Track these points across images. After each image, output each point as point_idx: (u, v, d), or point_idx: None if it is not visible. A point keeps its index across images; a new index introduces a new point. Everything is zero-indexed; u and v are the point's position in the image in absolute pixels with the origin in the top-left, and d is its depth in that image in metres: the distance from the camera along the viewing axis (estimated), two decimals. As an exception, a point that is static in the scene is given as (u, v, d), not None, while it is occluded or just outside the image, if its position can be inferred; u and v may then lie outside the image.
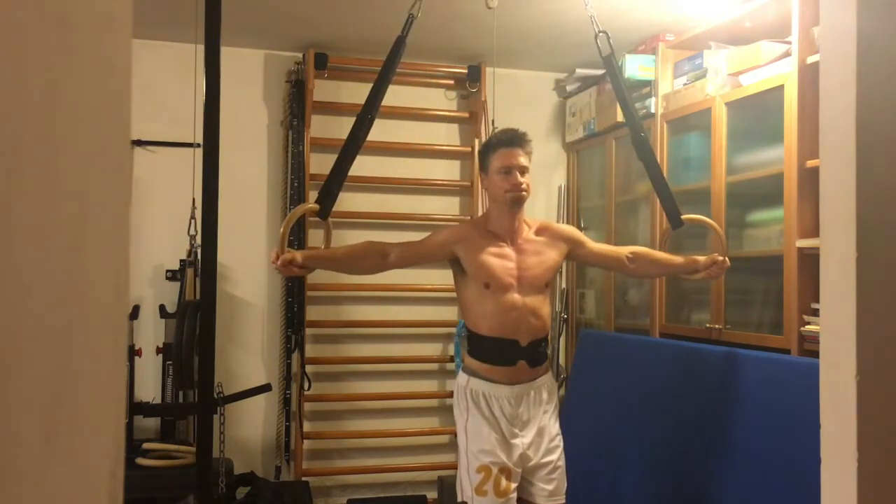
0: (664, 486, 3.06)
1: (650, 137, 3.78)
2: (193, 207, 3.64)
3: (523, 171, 2.56)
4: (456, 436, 2.70)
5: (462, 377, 2.65)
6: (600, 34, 2.78)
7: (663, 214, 3.70)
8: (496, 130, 2.76)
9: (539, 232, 2.68)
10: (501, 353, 2.56)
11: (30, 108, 0.52)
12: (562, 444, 2.68)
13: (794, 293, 2.88)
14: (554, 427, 2.66)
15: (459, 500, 2.64)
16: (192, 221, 3.67)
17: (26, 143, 0.52)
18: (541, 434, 2.61)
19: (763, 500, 2.58)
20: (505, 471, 2.53)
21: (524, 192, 2.57)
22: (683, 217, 2.79)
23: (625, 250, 2.80)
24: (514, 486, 2.55)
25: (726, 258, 2.72)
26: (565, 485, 2.66)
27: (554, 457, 2.63)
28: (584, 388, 3.76)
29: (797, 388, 2.54)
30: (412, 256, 2.68)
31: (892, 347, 1.25)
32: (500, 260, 2.58)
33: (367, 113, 2.65)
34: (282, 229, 2.56)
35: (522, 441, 2.57)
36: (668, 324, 3.71)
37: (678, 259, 2.81)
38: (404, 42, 2.70)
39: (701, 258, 2.74)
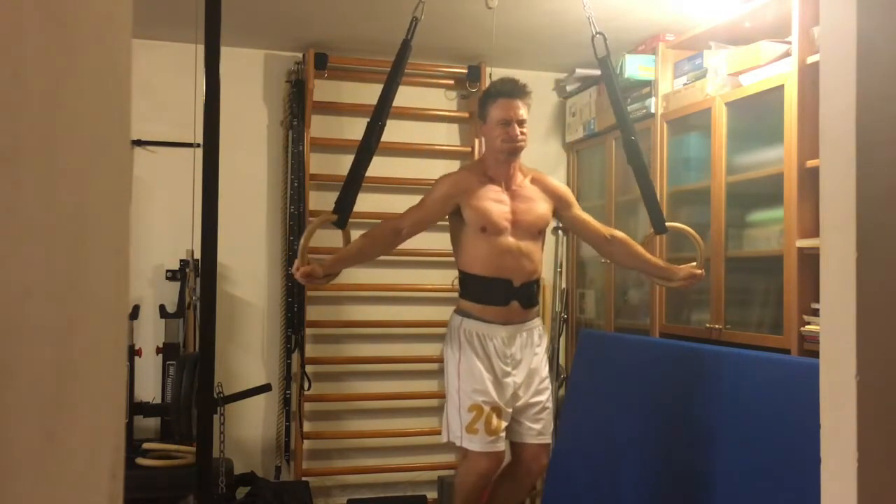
0: (664, 485, 3.06)
1: (649, 137, 3.79)
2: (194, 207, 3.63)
3: (521, 122, 2.63)
4: (444, 375, 2.75)
5: (455, 318, 2.70)
6: (597, 35, 2.80)
7: (664, 215, 3.71)
8: (496, 79, 2.80)
9: (533, 181, 2.76)
10: (495, 292, 2.63)
11: (30, 108, 0.52)
12: (550, 387, 2.78)
13: (794, 293, 2.88)
14: (544, 370, 2.75)
15: (444, 440, 2.70)
16: (193, 221, 3.67)
17: (26, 143, 0.52)
18: (531, 375, 2.69)
19: (763, 499, 2.58)
20: (496, 409, 2.60)
21: (521, 144, 2.63)
22: (668, 224, 2.87)
23: (607, 230, 2.86)
24: (504, 424, 2.62)
25: (702, 271, 2.79)
26: (552, 427, 2.77)
27: (542, 398, 2.72)
28: (584, 388, 3.76)
29: (797, 388, 2.54)
30: (422, 223, 2.73)
31: (892, 347, 1.25)
32: (496, 204, 2.66)
33: (378, 119, 2.69)
34: (302, 241, 2.60)
35: (514, 380, 2.64)
36: (668, 324, 3.71)
37: (656, 260, 2.86)
38: (410, 45, 2.73)
39: (680, 268, 2.79)
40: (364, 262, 2.93)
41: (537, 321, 2.75)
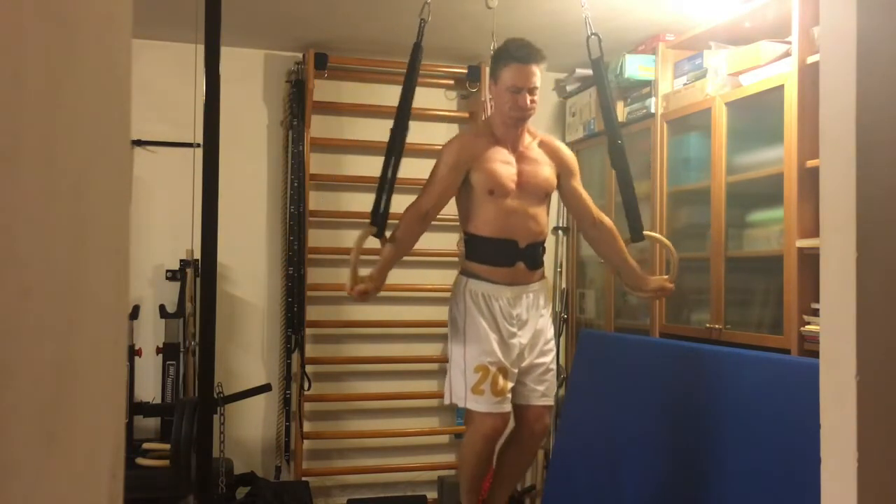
0: (664, 485, 3.06)
1: (649, 137, 3.79)
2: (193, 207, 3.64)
3: (532, 90, 2.60)
4: (448, 338, 2.74)
5: (461, 279, 2.70)
6: (592, 36, 2.80)
7: (664, 215, 3.71)
8: (511, 38, 2.71)
9: (542, 145, 2.75)
10: (501, 253, 2.63)
11: (30, 108, 0.52)
12: (555, 349, 2.79)
13: (794, 293, 2.88)
14: (549, 331, 2.75)
15: (447, 402, 2.69)
16: (192, 221, 3.67)
17: (26, 143, 0.52)
18: (537, 336, 2.69)
19: (763, 499, 2.58)
20: (502, 370, 2.60)
21: (529, 113, 2.62)
22: (645, 233, 2.85)
23: (598, 213, 2.84)
24: (510, 385, 2.61)
25: (673, 285, 2.79)
26: (555, 389, 2.78)
27: (547, 359, 2.72)
28: (584, 388, 3.76)
29: (797, 388, 2.54)
30: (443, 196, 2.70)
31: (892, 347, 1.25)
32: (504, 166, 2.65)
33: (401, 127, 2.71)
34: (352, 261, 2.57)
35: (520, 341, 2.64)
36: (668, 324, 3.71)
37: (633, 263, 2.84)
38: (421, 48, 2.74)
39: (652, 279, 2.79)
40: (403, 256, 2.89)
41: (543, 283, 2.74)
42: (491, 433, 2.61)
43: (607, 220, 2.85)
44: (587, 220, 2.82)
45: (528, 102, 2.58)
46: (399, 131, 2.69)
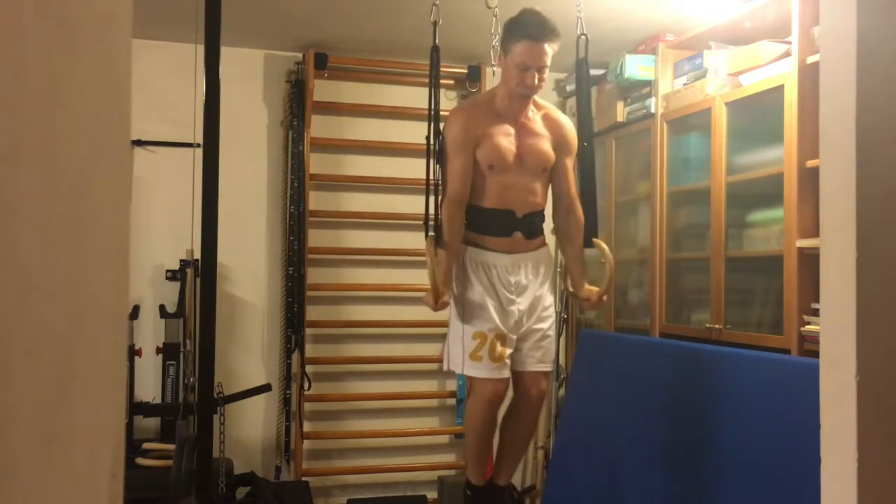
0: (664, 485, 3.06)
1: (649, 137, 3.79)
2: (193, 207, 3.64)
3: (542, 69, 2.58)
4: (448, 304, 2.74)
5: (461, 248, 2.71)
6: (581, 37, 2.82)
7: (664, 215, 3.71)
8: (526, 9, 2.70)
9: (544, 119, 2.74)
10: (499, 223, 2.66)
11: (30, 108, 0.52)
12: (554, 315, 2.79)
13: (794, 293, 2.88)
14: (548, 298, 2.76)
15: (445, 368, 2.70)
16: (192, 221, 3.67)
17: (26, 143, 0.52)
18: (535, 302, 2.70)
19: (763, 499, 2.58)
20: (500, 336, 2.62)
21: (535, 91, 2.62)
22: (594, 241, 2.85)
23: (572, 203, 2.81)
24: (508, 351, 2.62)
25: (605, 296, 2.82)
26: (552, 355, 2.79)
27: (545, 325, 2.73)
28: (584, 388, 3.76)
29: (797, 388, 2.54)
30: (467, 180, 2.67)
31: (892, 347, 1.25)
32: (505, 139, 2.66)
33: (437, 131, 2.75)
34: (435, 277, 2.56)
35: (518, 308, 2.66)
36: (668, 324, 3.71)
37: (577, 265, 2.86)
38: (438, 50, 2.80)
39: (588, 288, 2.80)
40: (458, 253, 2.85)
41: (542, 251, 2.75)
42: (491, 398, 2.63)
43: (579, 212, 2.82)
44: (563, 203, 2.80)
45: (536, 81, 2.57)
46: (436, 136, 2.72)
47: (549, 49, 2.57)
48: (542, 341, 2.72)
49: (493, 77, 4.23)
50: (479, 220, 2.68)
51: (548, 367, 2.77)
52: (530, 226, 2.69)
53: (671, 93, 3.74)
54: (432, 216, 2.68)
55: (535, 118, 2.70)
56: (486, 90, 3.18)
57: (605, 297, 2.84)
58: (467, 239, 2.70)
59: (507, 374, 2.66)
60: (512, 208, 2.65)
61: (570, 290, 2.91)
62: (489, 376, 2.61)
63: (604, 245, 2.87)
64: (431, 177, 2.70)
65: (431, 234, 2.65)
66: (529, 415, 2.81)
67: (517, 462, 2.97)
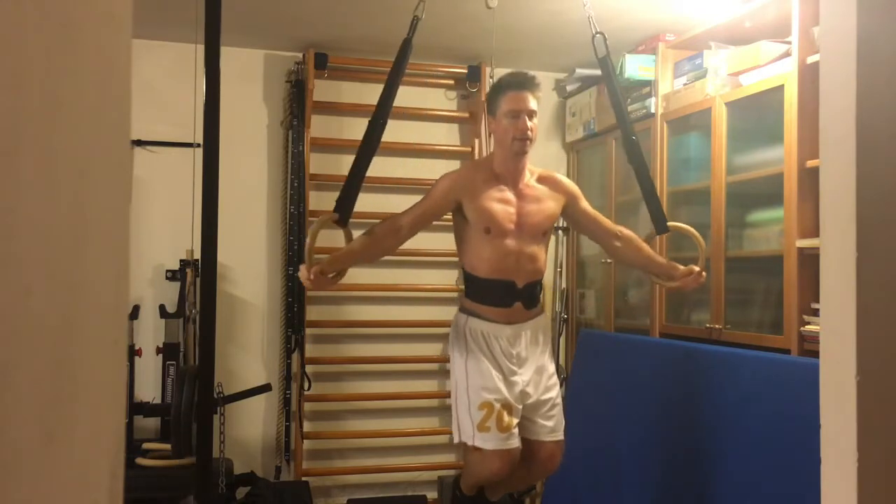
0: (664, 485, 3.06)
1: (649, 137, 3.79)
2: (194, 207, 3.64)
3: (531, 115, 2.59)
4: (450, 376, 2.74)
5: (461, 317, 2.70)
6: (597, 35, 2.79)
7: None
8: (505, 73, 2.74)
9: (541, 180, 2.71)
10: (498, 294, 2.62)
11: (30, 107, 0.52)
12: (558, 382, 2.76)
13: (794, 293, 2.88)
14: (550, 366, 2.74)
15: (457, 440, 2.67)
16: (192, 221, 3.67)
17: (26, 143, 0.52)
18: (539, 372, 2.68)
19: (763, 499, 2.58)
20: (507, 406, 2.58)
21: (530, 138, 2.60)
22: (669, 224, 2.83)
23: (615, 227, 2.83)
24: (516, 421, 2.60)
25: (703, 271, 2.75)
26: (563, 423, 2.74)
27: (552, 394, 2.71)
28: (584, 388, 3.76)
29: (797, 388, 2.54)
30: (423, 220, 2.68)
31: (892, 347, 1.25)
32: (501, 205, 2.62)
33: (379, 118, 2.66)
34: (307, 244, 2.53)
35: (521, 378, 2.63)
36: (668, 324, 3.71)
37: (660, 258, 2.85)
38: (411, 44, 2.71)
39: (681, 267, 2.76)
40: (365, 260, 2.89)
41: (541, 318, 2.74)
42: (499, 472, 2.58)
43: (625, 230, 2.82)
44: (608, 237, 2.80)
45: (528, 126, 2.57)
46: (378, 124, 2.67)
47: (533, 98, 2.59)
48: (552, 410, 2.69)
49: (492, 77, 4.24)
50: (479, 290, 2.64)
51: (561, 437, 2.73)
52: (530, 296, 2.66)
53: (671, 93, 3.74)
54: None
55: (531, 182, 2.68)
56: (482, 157, 3.17)
57: (703, 273, 2.77)
58: (466, 308, 2.68)
59: (516, 443, 2.60)
60: (512, 279, 2.61)
61: (666, 280, 2.82)
62: (498, 447, 2.56)
63: (680, 224, 2.86)
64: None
65: (332, 212, 2.61)
66: (542, 475, 2.85)
67: (514, 490, 2.98)
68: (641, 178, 2.82)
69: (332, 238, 4.31)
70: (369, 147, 2.66)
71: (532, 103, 2.59)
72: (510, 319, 2.63)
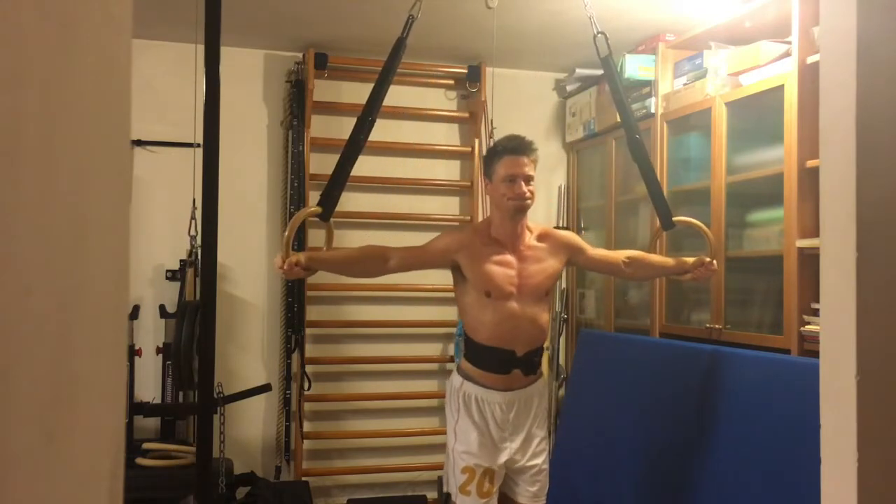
0: (664, 485, 3.06)
1: (649, 137, 3.79)
2: (194, 207, 3.64)
3: (528, 179, 2.55)
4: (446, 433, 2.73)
5: (456, 379, 2.66)
6: (599, 35, 2.78)
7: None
8: (501, 137, 2.73)
9: (541, 238, 2.67)
10: (497, 361, 2.58)
11: (30, 108, 0.52)
12: (547, 447, 2.72)
13: (794, 293, 2.88)
14: (541, 432, 2.69)
15: (445, 490, 2.68)
16: (193, 221, 3.67)
17: (26, 143, 0.52)
18: (529, 439, 2.65)
19: (763, 499, 2.58)
20: (488, 473, 2.57)
21: (528, 202, 2.56)
22: (675, 219, 2.81)
23: (621, 255, 2.82)
24: (496, 487, 2.60)
25: (714, 260, 2.73)
26: (547, 488, 2.71)
27: (539, 460, 2.67)
28: (583, 388, 3.76)
29: (797, 388, 2.54)
30: (413, 262, 2.66)
31: (892, 347, 1.25)
32: (501, 268, 2.58)
33: (368, 115, 2.65)
34: (286, 234, 2.53)
35: (511, 446, 2.61)
36: (668, 324, 3.71)
37: (669, 261, 2.86)
38: (404, 43, 2.70)
39: (689, 259, 2.76)
40: (343, 273, 2.86)
41: (538, 384, 2.70)
42: None
43: (632, 253, 2.82)
44: (619, 268, 2.79)
45: (525, 190, 2.53)
46: (366, 122, 2.66)
47: (530, 162, 2.56)
48: (537, 475, 2.67)
49: (492, 77, 4.25)
50: (478, 356, 2.61)
51: (542, 502, 2.71)
52: (529, 363, 2.63)
53: (671, 93, 3.74)
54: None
55: (532, 242, 2.64)
56: (480, 221, 3.16)
57: (714, 262, 2.76)
58: (463, 370, 2.65)
59: None
60: (512, 347, 2.57)
61: (679, 275, 2.83)
62: None
63: (686, 218, 2.85)
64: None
65: (317, 205, 2.59)
66: None
67: None
68: (646, 176, 2.80)
69: (335, 240, 4.32)
70: (356, 144, 2.65)
71: (528, 168, 2.55)
72: (507, 386, 2.59)
